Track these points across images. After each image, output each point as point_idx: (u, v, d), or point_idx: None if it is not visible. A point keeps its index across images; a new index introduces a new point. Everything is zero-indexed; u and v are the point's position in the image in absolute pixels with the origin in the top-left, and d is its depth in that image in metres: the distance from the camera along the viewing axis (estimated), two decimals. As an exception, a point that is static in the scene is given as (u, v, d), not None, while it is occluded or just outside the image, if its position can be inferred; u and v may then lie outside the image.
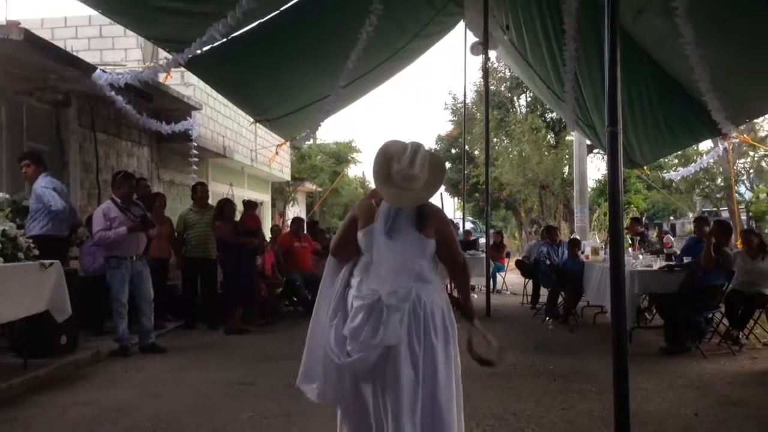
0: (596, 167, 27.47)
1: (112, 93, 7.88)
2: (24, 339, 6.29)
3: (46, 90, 8.77)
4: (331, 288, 3.40)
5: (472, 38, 11.67)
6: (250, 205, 9.54)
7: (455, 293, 3.55)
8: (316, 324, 3.44)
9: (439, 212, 3.42)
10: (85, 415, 4.89)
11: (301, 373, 3.43)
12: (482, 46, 10.85)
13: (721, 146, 9.45)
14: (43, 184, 7.02)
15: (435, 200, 3.42)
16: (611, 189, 3.08)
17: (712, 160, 9.86)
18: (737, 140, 9.14)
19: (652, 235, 12.73)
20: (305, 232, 11.36)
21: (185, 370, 6.45)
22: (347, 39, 8.50)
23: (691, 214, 27.01)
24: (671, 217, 36.61)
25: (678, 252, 9.12)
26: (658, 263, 8.10)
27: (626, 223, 12.57)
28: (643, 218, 25.86)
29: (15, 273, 5.50)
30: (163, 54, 9.31)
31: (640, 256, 8.58)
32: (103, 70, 7.91)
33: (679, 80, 8.36)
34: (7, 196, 7.25)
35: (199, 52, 7.15)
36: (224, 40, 7.24)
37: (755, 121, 14.54)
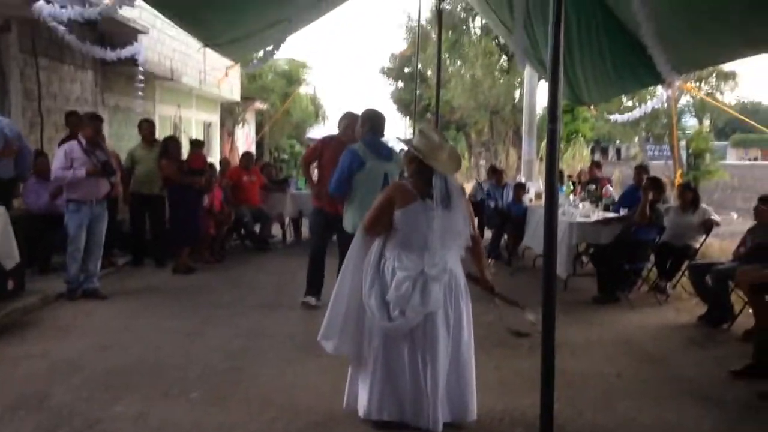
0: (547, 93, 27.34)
1: (54, 23, 7.63)
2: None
3: (-16, 15, 8.41)
4: (361, 261, 3.84)
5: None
6: (197, 144, 9.47)
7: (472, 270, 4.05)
8: (340, 293, 3.90)
9: (463, 189, 3.97)
10: (38, 370, 5.00)
11: (321, 331, 3.94)
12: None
13: (664, 94, 9.64)
14: None
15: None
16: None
17: (655, 106, 10.09)
18: (679, 89, 9.38)
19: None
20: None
21: (134, 317, 6.57)
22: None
23: (636, 138, 27.55)
24: (617, 141, 37.18)
25: (615, 199, 9.37)
26: (596, 214, 8.38)
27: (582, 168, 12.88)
28: (590, 146, 26.33)
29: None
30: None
31: (580, 205, 8.82)
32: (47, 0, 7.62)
33: (628, 27, 8.41)
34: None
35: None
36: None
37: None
